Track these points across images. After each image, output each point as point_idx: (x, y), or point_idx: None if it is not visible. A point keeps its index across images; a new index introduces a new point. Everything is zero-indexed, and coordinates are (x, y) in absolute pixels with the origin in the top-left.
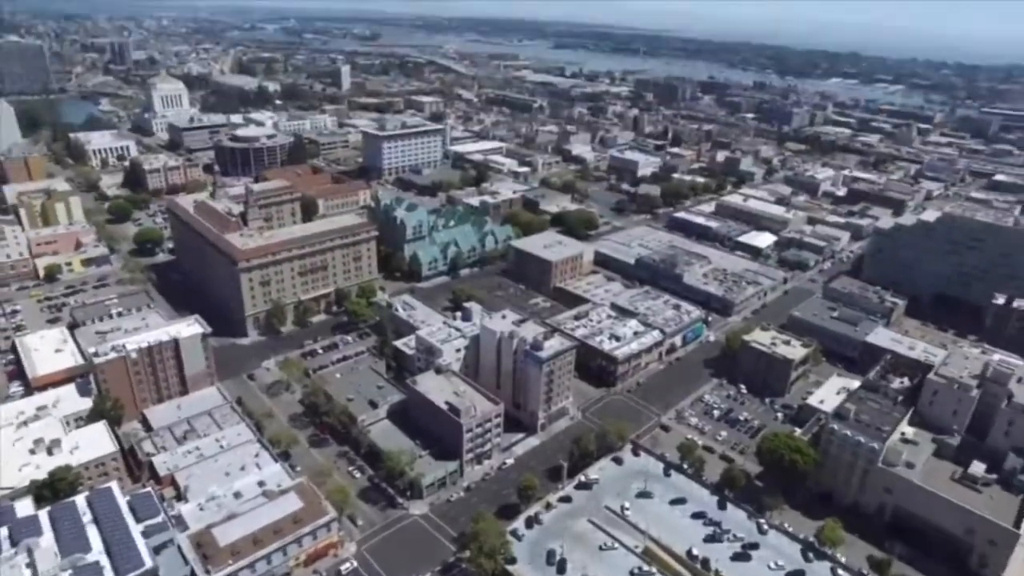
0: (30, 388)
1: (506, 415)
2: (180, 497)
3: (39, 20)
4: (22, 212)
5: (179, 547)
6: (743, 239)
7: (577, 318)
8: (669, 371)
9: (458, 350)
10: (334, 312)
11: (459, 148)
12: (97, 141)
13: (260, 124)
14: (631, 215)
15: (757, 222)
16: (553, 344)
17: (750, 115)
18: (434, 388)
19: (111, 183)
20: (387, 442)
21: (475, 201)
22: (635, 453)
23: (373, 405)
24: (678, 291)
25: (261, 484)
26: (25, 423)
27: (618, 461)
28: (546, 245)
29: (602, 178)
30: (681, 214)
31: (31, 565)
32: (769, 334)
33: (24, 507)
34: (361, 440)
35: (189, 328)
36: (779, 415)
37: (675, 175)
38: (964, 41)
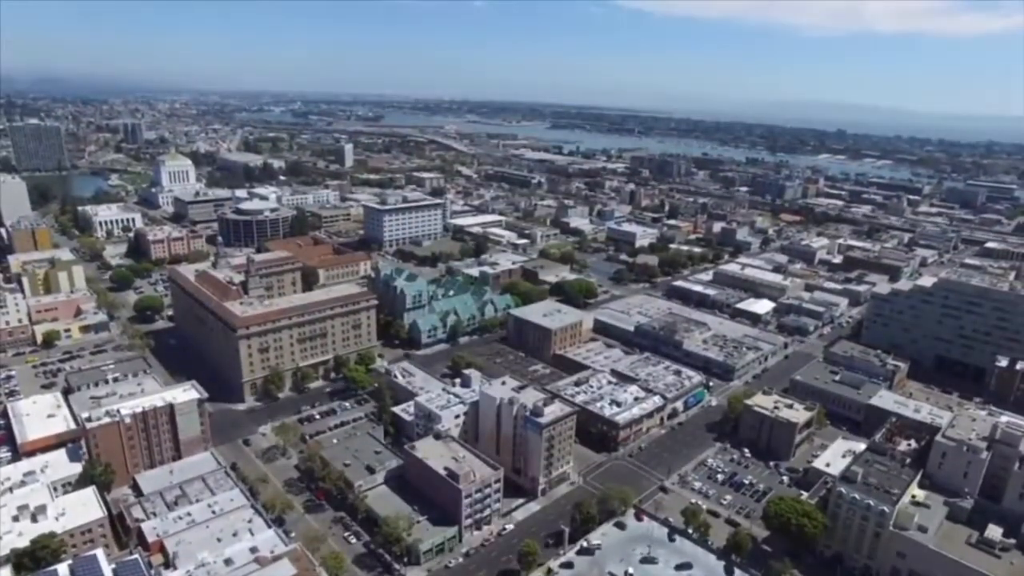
0: (18, 453)
1: (506, 480)
2: (168, 564)
3: (59, 104)
4: (24, 280)
5: None
6: (742, 306)
7: (577, 384)
8: (671, 436)
9: (457, 416)
10: (332, 378)
11: (459, 221)
12: (104, 213)
13: (264, 198)
14: (629, 284)
15: (755, 289)
16: (553, 410)
17: (744, 188)
18: (433, 454)
19: (115, 253)
20: (384, 507)
21: (475, 271)
22: (638, 518)
23: (370, 471)
24: (678, 357)
25: (253, 550)
26: (11, 489)
27: (621, 526)
28: (545, 313)
29: (600, 249)
30: (680, 282)
31: None
32: (771, 398)
33: None
34: (358, 505)
35: (185, 393)
36: (785, 479)
37: (672, 245)
38: (933, 120)
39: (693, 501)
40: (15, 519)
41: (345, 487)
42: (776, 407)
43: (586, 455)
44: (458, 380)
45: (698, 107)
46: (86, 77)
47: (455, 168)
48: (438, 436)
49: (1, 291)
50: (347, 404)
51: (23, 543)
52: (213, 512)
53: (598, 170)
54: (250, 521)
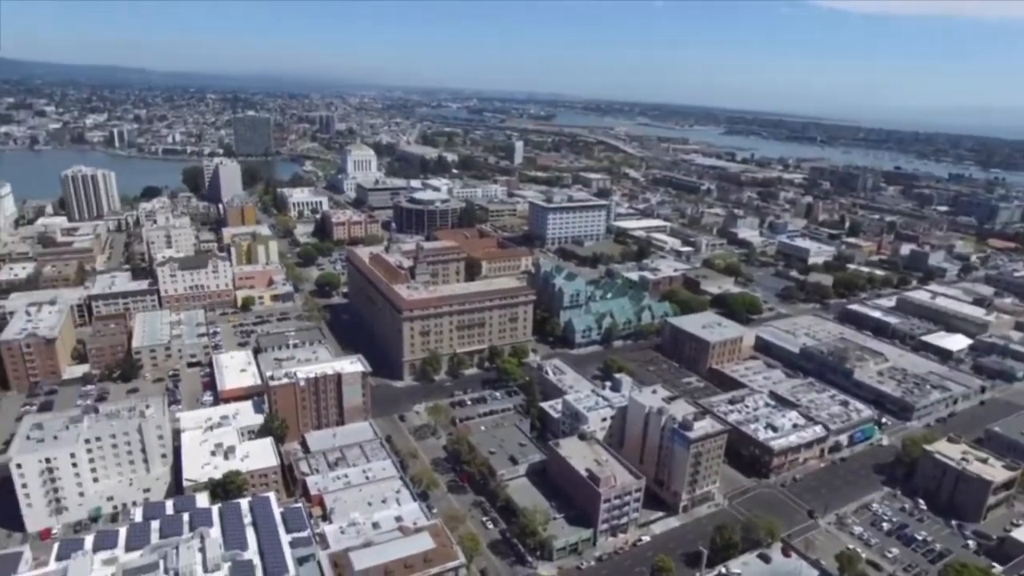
0: (218, 399)
1: (647, 491)
2: (325, 517)
3: (271, 98)
4: (232, 250)
5: (319, 563)
6: (929, 339)
7: (732, 402)
8: (831, 471)
9: (604, 419)
10: (486, 367)
11: (623, 224)
12: (297, 196)
13: (436, 189)
14: (798, 303)
15: (947, 322)
16: (703, 426)
17: (942, 208)
18: (576, 453)
19: (303, 231)
20: (523, 499)
21: (635, 275)
22: (785, 553)
23: (513, 461)
24: (847, 387)
25: (398, 519)
26: (211, 428)
27: (765, 559)
28: (704, 325)
29: (768, 263)
30: (855, 306)
31: (202, 550)
32: (959, 447)
33: (201, 500)
34: (498, 493)
35: (352, 365)
36: (970, 543)
37: (851, 265)
38: None
39: (851, 547)
40: (212, 454)
41: (488, 474)
42: (965, 459)
43: (734, 477)
44: (608, 383)
45: (894, 116)
46: (295, 74)
47: (622, 170)
48: (583, 437)
49: (216, 258)
50: (497, 394)
51: (217, 475)
52: (367, 477)
53: (773, 180)
54: (398, 491)
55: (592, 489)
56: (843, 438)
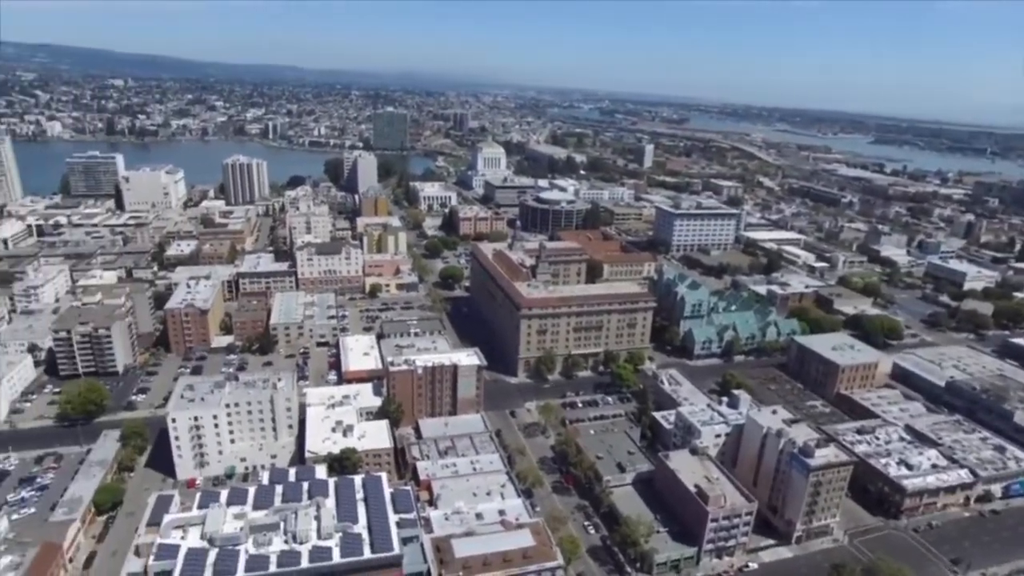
0: (342, 379)
1: (759, 516)
2: (432, 503)
3: (410, 95)
4: (364, 239)
5: (422, 545)
6: None
7: (860, 432)
8: (979, 523)
9: (718, 436)
10: (600, 371)
11: (753, 234)
12: (428, 190)
13: (563, 190)
14: (948, 331)
15: None
16: (826, 454)
17: None
18: (686, 468)
19: (432, 225)
20: (628, 508)
21: (762, 289)
22: None
23: (621, 469)
24: (1004, 430)
25: (501, 513)
26: (333, 406)
27: None
28: (835, 347)
29: (914, 286)
30: (1021, 340)
31: (317, 518)
32: None
33: (320, 471)
34: (602, 499)
35: (468, 358)
36: None
37: (1017, 294)
38: None
39: None
40: (332, 430)
41: (593, 478)
42: None
43: (857, 514)
44: (725, 399)
45: None
46: (433, 73)
47: (756, 178)
48: (694, 451)
49: (349, 246)
50: (610, 399)
51: (336, 450)
52: (474, 469)
53: (927, 195)
54: (503, 486)
55: (700, 506)
56: (996, 488)
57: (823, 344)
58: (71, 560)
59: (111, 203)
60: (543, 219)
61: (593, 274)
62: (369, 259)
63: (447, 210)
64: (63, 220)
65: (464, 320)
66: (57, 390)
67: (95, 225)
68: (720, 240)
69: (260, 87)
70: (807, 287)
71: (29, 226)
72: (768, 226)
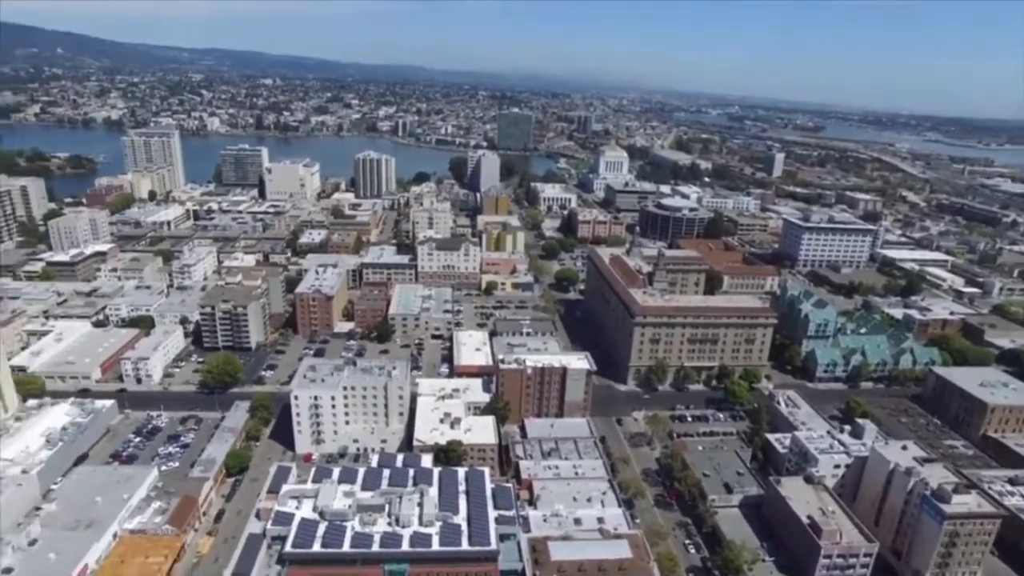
0: (453, 372)
1: (879, 560)
2: (532, 502)
3: (535, 97)
4: (483, 237)
5: (519, 544)
6: None
7: (1013, 483)
8: None
9: (837, 466)
10: (713, 386)
11: (891, 252)
12: (548, 191)
13: (685, 197)
14: None
15: None
16: (967, 501)
17: None
18: (798, 496)
19: (550, 226)
20: (732, 531)
21: (898, 312)
22: None
23: (728, 489)
24: None
25: (600, 520)
26: (443, 398)
27: None
28: (984, 383)
29: None
30: None
31: (420, 505)
32: None
33: (426, 460)
34: (706, 518)
35: (578, 362)
36: None
37: None
38: None
39: None
40: (440, 421)
41: (698, 496)
42: None
43: (1003, 574)
44: (848, 427)
45: None
46: (559, 75)
47: (899, 192)
48: (809, 480)
49: (468, 243)
50: (721, 415)
51: (442, 441)
52: (576, 473)
53: None
54: (604, 493)
55: (811, 539)
56: None
57: (969, 378)
58: (204, 513)
59: (255, 192)
60: (663, 226)
61: (712, 285)
62: (487, 257)
63: (566, 212)
64: (215, 206)
65: (577, 323)
66: (201, 360)
67: (240, 212)
68: (852, 257)
69: (393, 86)
70: (952, 314)
71: (187, 210)
72: (909, 244)
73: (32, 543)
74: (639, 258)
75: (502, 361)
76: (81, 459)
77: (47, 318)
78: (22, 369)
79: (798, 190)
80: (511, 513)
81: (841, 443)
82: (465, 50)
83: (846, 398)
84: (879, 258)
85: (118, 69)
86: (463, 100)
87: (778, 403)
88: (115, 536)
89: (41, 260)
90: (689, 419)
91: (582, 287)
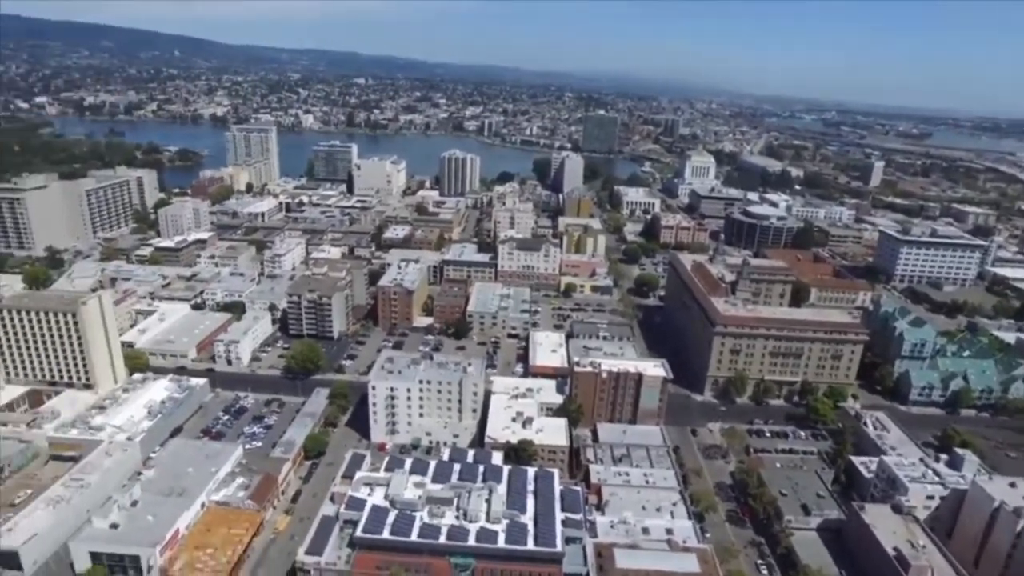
0: (527, 372)
1: None
2: (600, 508)
3: (621, 99)
4: (564, 239)
5: (584, 548)
6: None
7: None
8: None
9: (930, 497)
10: (795, 402)
11: (1004, 271)
12: (631, 195)
13: (774, 205)
14: None
15: None
16: None
17: None
18: (884, 526)
19: (632, 230)
20: (808, 556)
21: (1009, 336)
22: None
23: (805, 511)
24: None
25: (669, 532)
26: (516, 396)
27: None
28: None
29: None
30: None
31: (488, 501)
32: None
33: (496, 457)
34: (781, 540)
35: (654, 368)
36: None
37: None
38: None
39: None
40: (513, 420)
41: (773, 515)
42: None
43: None
44: (944, 456)
45: None
46: (647, 77)
47: (1017, 206)
48: (898, 509)
49: (549, 244)
50: (802, 433)
51: (514, 440)
52: (647, 481)
53: None
54: (675, 504)
55: (897, 573)
56: None
57: None
58: (283, 492)
59: (344, 187)
60: (749, 234)
61: (798, 297)
62: (567, 258)
63: (649, 216)
64: (305, 199)
65: (655, 330)
66: (286, 346)
67: (329, 206)
68: (957, 274)
69: (480, 86)
70: None
71: (280, 203)
72: None
73: (133, 504)
74: (722, 266)
75: (577, 363)
76: (176, 431)
77: (153, 299)
78: (130, 345)
79: (898, 201)
80: (578, 517)
81: (936, 473)
82: (553, 51)
83: (943, 425)
84: (989, 276)
85: (225, 69)
86: (549, 101)
87: (865, 424)
88: (203, 506)
89: (150, 245)
90: (767, 434)
91: (662, 293)
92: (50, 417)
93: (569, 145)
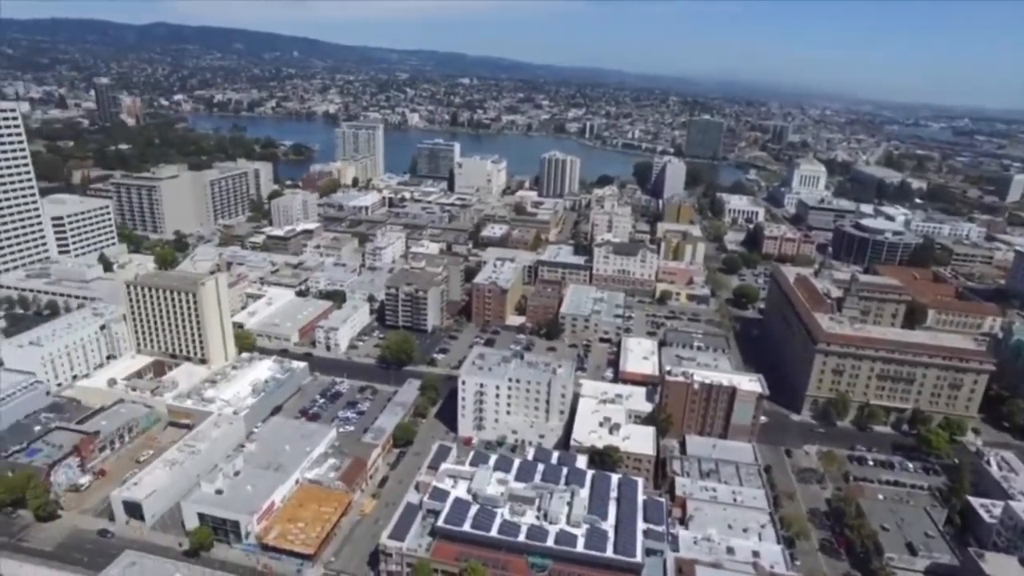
0: (617, 377)
1: None
2: (683, 522)
3: (728, 103)
4: (662, 245)
5: (664, 562)
6: None
7: None
8: None
9: None
10: (903, 431)
11: None
12: (734, 203)
13: (890, 218)
14: None
15: None
16: None
17: None
18: None
19: (733, 239)
20: None
21: None
22: None
23: (911, 550)
24: None
25: (755, 554)
26: (604, 401)
27: None
28: None
29: None
30: None
31: (570, 504)
32: None
33: (580, 461)
34: None
35: (750, 383)
36: None
37: None
38: None
39: None
40: (600, 425)
41: (872, 550)
42: None
43: None
44: None
45: None
46: (756, 81)
47: None
48: None
49: (646, 249)
50: (910, 465)
51: (599, 445)
52: (735, 499)
53: None
54: (763, 526)
55: None
56: None
57: None
58: (371, 477)
59: (445, 184)
60: (860, 248)
61: (913, 319)
62: (664, 265)
63: (752, 226)
64: (407, 195)
65: (752, 343)
66: (382, 336)
67: (430, 202)
68: None
69: (583, 88)
70: None
71: (383, 198)
72: None
73: (236, 474)
74: (829, 281)
75: (669, 372)
76: (276, 410)
77: (262, 284)
78: (240, 326)
79: None
80: (661, 528)
81: None
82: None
83: None
84: None
85: (338, 68)
86: (652, 105)
87: (988, 463)
88: (297, 482)
89: (263, 233)
90: (870, 463)
91: (761, 305)
92: (170, 387)
93: (672, 150)
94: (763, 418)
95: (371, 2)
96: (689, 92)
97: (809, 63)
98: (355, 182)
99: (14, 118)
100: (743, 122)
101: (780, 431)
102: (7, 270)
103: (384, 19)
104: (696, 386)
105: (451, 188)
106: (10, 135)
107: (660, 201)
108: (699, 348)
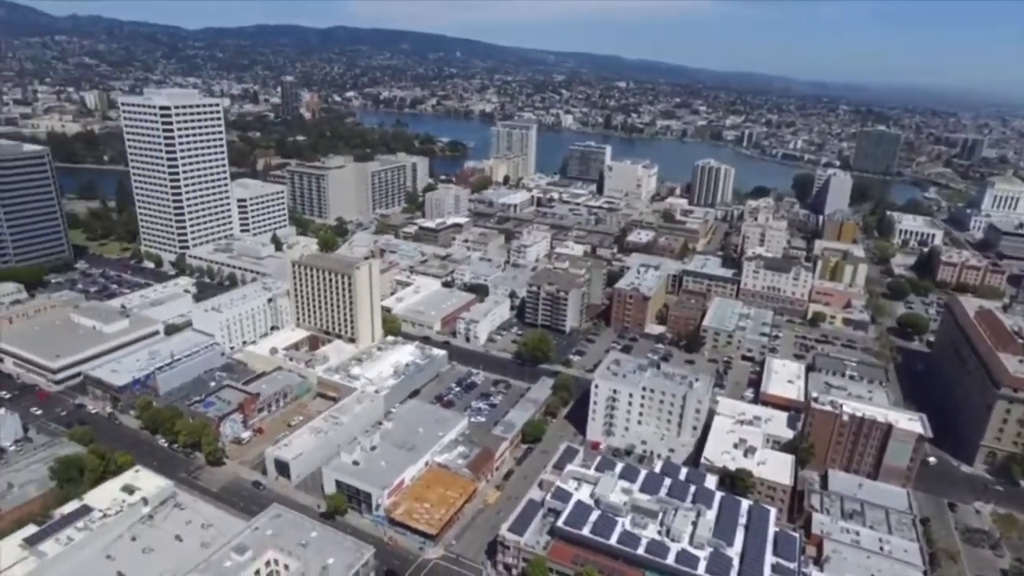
0: (758, 399)
1: None
2: (818, 562)
3: (906, 114)
4: (819, 263)
5: None
6: None
7: None
8: None
9: None
10: None
11: None
12: (907, 223)
13: None
14: None
15: None
16: None
17: None
18: None
19: (902, 262)
20: None
21: None
22: None
23: None
24: None
25: None
26: (741, 422)
27: None
28: None
29: None
30: None
31: (694, 524)
32: None
33: (710, 481)
34: None
35: (909, 422)
36: None
37: None
38: None
39: None
40: (734, 446)
41: None
42: None
43: None
44: None
45: None
46: (941, 88)
47: None
48: None
49: (800, 267)
50: None
51: (732, 467)
52: (881, 548)
53: None
54: None
55: None
56: None
57: None
58: (497, 468)
59: (593, 187)
60: None
61: None
62: (819, 285)
63: (926, 249)
64: (556, 195)
65: (916, 379)
66: (520, 332)
67: (577, 204)
68: None
69: (744, 95)
70: None
71: (532, 197)
72: None
73: (372, 448)
74: (1021, 317)
75: (815, 399)
76: (414, 393)
77: (411, 272)
78: (388, 310)
79: None
80: (792, 565)
81: None
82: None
83: None
84: None
85: (497, 69)
86: (819, 113)
87: None
88: (426, 464)
89: (415, 224)
90: None
91: (931, 338)
92: (322, 360)
93: (838, 162)
94: (931, 459)
95: (532, 3)
96: (861, 100)
97: (1010, 68)
98: (506, 180)
99: (217, 112)
100: (925, 135)
101: (943, 481)
102: (201, 243)
103: (544, 20)
104: (846, 417)
105: (600, 191)
106: (214, 126)
107: (820, 217)
108: (852, 377)
